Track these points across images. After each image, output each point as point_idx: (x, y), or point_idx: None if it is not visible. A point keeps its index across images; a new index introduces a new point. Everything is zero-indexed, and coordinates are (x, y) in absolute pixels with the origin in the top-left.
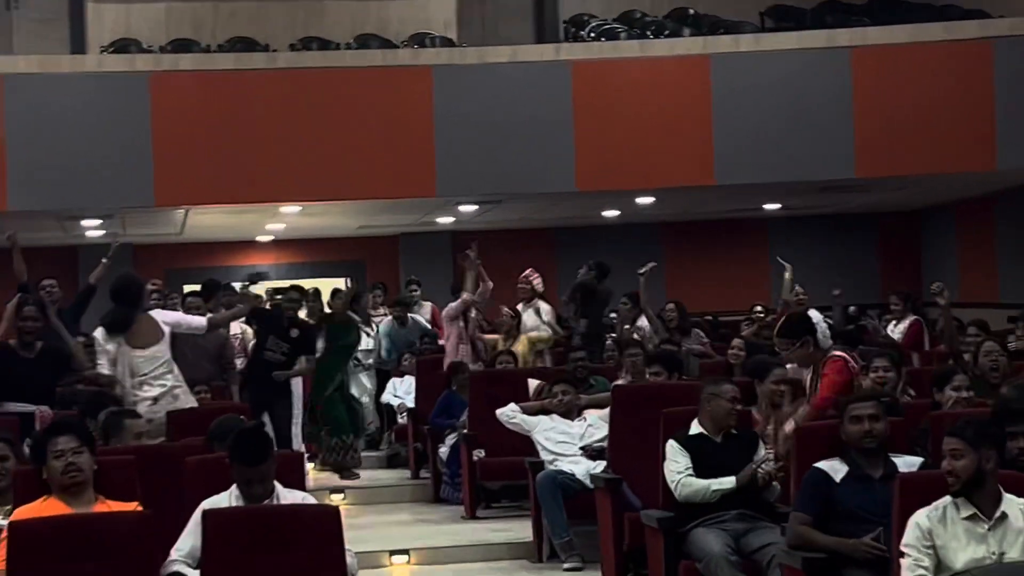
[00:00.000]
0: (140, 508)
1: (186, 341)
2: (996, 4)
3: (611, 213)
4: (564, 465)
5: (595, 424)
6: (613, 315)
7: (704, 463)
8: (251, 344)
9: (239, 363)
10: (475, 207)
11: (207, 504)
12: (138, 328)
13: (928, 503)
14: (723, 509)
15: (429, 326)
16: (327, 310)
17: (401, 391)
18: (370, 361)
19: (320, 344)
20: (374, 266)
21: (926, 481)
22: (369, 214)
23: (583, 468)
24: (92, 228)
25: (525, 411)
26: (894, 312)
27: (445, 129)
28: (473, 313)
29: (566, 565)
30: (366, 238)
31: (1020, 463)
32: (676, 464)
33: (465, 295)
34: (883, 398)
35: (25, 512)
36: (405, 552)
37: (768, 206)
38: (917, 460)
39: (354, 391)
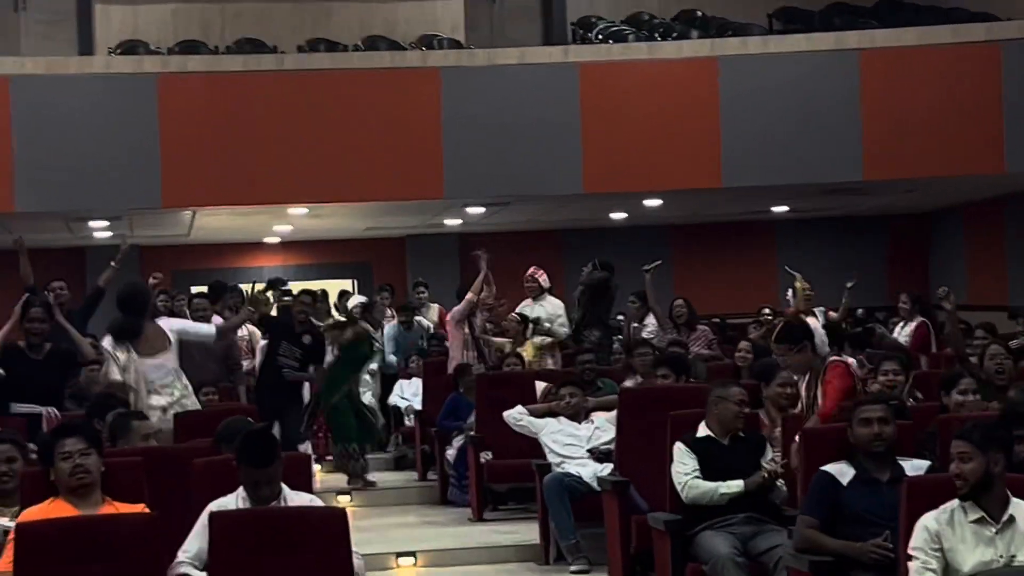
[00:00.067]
0: (147, 510)
1: (194, 344)
2: (1004, 7)
3: (619, 215)
4: (571, 467)
5: (602, 426)
6: (620, 316)
7: (711, 466)
8: (259, 347)
9: (245, 364)
10: (482, 209)
11: (214, 506)
12: (146, 336)
13: (935, 507)
14: (730, 512)
15: (433, 329)
16: (336, 316)
17: (408, 393)
18: (374, 366)
19: (330, 352)
20: (381, 268)
21: (933, 485)
22: (376, 216)
23: (590, 470)
24: (100, 229)
25: (532, 413)
26: (902, 311)
27: (453, 131)
28: (479, 318)
29: (573, 568)
30: (373, 240)
31: None
32: (683, 466)
33: (469, 295)
34: (891, 401)
35: (32, 514)
36: (412, 554)
37: (776, 209)
38: (924, 463)
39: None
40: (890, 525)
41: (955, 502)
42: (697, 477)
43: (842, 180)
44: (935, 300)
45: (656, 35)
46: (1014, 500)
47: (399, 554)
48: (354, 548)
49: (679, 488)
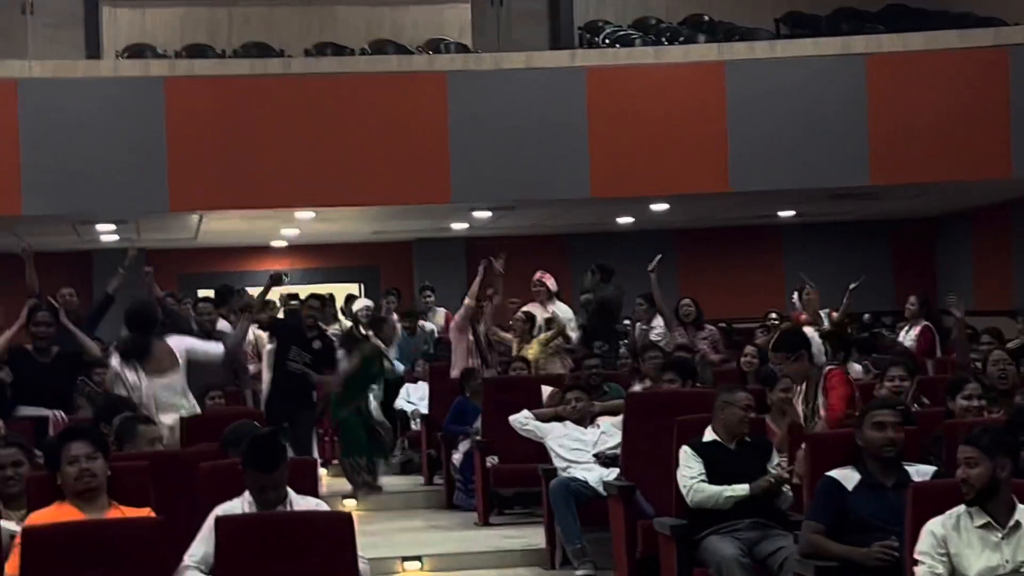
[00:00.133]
0: (153, 514)
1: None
2: (1013, 11)
3: (625, 220)
4: (577, 472)
5: (608, 431)
6: (626, 320)
7: (717, 470)
8: (265, 351)
9: (251, 368)
10: (489, 213)
11: (220, 510)
12: (154, 355)
13: (941, 512)
14: (736, 517)
15: (438, 333)
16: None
17: (415, 397)
18: None
19: (343, 363)
20: (388, 272)
21: (940, 490)
22: (383, 220)
23: (596, 475)
24: (106, 233)
25: (538, 418)
26: (909, 312)
27: (460, 135)
28: (481, 325)
29: (579, 572)
30: (380, 244)
31: None
32: (689, 470)
33: (467, 300)
34: (898, 407)
35: (39, 518)
36: (418, 558)
37: (783, 213)
38: (930, 469)
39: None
40: (895, 530)
41: (962, 507)
42: (703, 481)
43: (849, 184)
44: (943, 304)
45: (663, 39)
46: (1020, 506)
47: (405, 558)
48: (360, 552)
49: (684, 492)
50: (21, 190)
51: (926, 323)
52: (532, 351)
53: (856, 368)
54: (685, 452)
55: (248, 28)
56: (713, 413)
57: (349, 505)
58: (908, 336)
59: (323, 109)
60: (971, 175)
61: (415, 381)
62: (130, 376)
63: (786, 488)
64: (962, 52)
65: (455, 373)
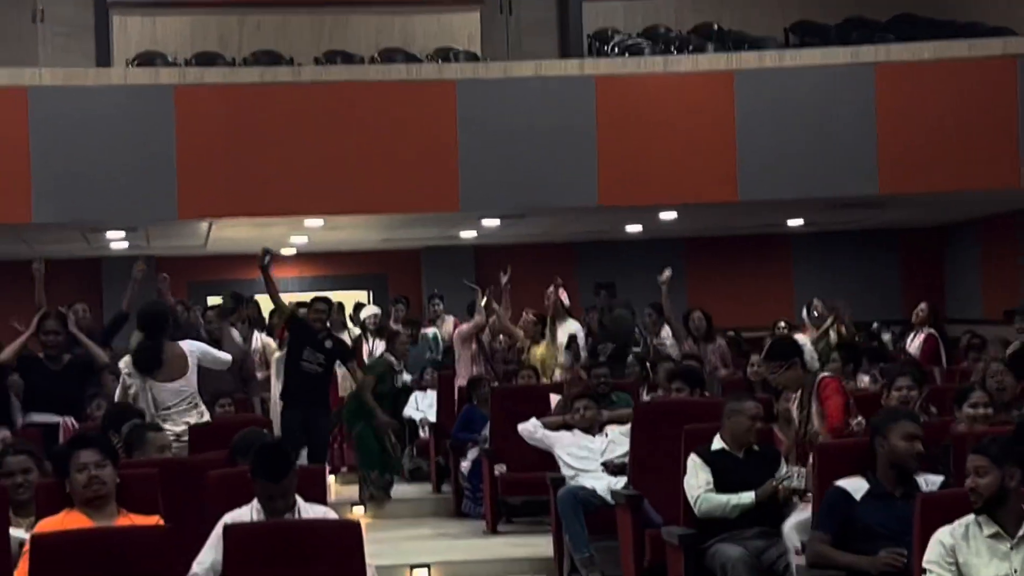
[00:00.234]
0: (162, 522)
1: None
2: (1021, 21)
3: (634, 228)
4: (585, 481)
5: (616, 440)
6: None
7: (725, 479)
8: (273, 359)
9: (259, 376)
10: (497, 222)
11: (229, 518)
12: (165, 362)
13: (949, 522)
14: (744, 526)
15: (443, 344)
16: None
17: (423, 405)
18: None
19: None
20: (397, 280)
21: (948, 500)
22: (392, 228)
23: (604, 484)
24: (116, 240)
25: (547, 426)
26: (918, 318)
27: (469, 143)
28: (486, 337)
29: None
30: (389, 251)
31: None
32: (697, 479)
33: (478, 317)
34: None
35: (47, 525)
36: (426, 566)
37: (791, 222)
38: (938, 479)
39: None
40: (904, 540)
41: (970, 516)
42: (710, 491)
43: (858, 194)
44: (952, 312)
45: (672, 48)
46: None
47: (413, 566)
48: (368, 560)
49: (692, 501)
50: (31, 198)
51: (931, 331)
52: (540, 351)
53: (864, 379)
54: (693, 461)
55: (258, 36)
56: (722, 421)
57: (357, 513)
58: (913, 345)
59: (332, 117)
60: (979, 184)
61: (423, 389)
62: (135, 381)
63: (796, 499)
64: (971, 62)
65: (460, 382)
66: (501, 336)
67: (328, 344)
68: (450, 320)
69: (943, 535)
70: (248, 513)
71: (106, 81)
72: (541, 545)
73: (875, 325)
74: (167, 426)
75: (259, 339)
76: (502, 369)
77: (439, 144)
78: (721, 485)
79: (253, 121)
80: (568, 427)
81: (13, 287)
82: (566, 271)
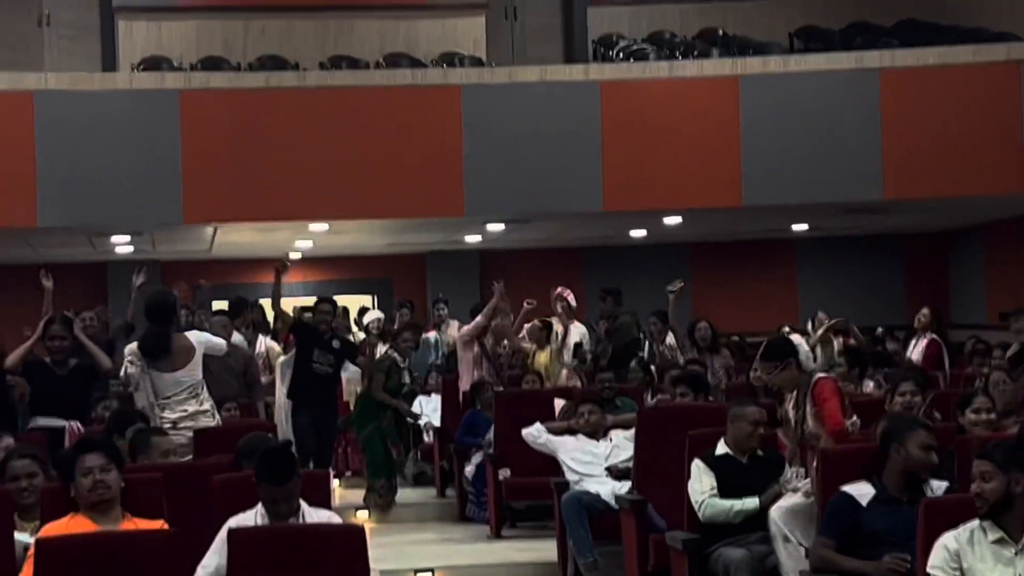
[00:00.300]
0: (166, 526)
1: (213, 360)
2: None
3: (638, 233)
4: (589, 485)
5: (621, 444)
6: (641, 334)
7: (729, 484)
8: (278, 363)
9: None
10: (502, 226)
11: (233, 522)
12: (172, 350)
13: (953, 527)
14: (747, 531)
15: (440, 347)
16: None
17: (428, 409)
18: None
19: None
20: (402, 284)
21: (952, 505)
22: (397, 232)
23: (608, 489)
24: (121, 244)
25: (551, 431)
26: (921, 323)
27: (473, 148)
28: (489, 341)
29: None
30: (394, 256)
31: None
32: (701, 484)
33: (480, 319)
34: None
35: (52, 529)
36: (430, 571)
37: (796, 227)
38: (943, 484)
39: None
40: (910, 545)
41: (975, 522)
42: (714, 496)
43: (862, 199)
44: (956, 318)
45: (677, 53)
46: None
47: (417, 571)
48: (372, 564)
49: (696, 507)
50: (36, 202)
51: (934, 336)
52: (543, 358)
53: (869, 384)
54: (697, 466)
55: (263, 41)
56: (726, 426)
57: (361, 517)
58: (916, 350)
59: (337, 122)
60: (984, 190)
61: (428, 393)
62: (136, 371)
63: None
64: (975, 67)
65: (463, 386)
66: (505, 341)
67: (336, 344)
68: (454, 324)
69: (948, 540)
70: (252, 517)
71: (111, 85)
72: (545, 550)
73: (879, 330)
74: (164, 414)
75: (263, 343)
76: (506, 373)
77: (444, 149)
78: (725, 490)
79: (258, 126)
80: (572, 432)
81: (18, 290)
82: (571, 276)
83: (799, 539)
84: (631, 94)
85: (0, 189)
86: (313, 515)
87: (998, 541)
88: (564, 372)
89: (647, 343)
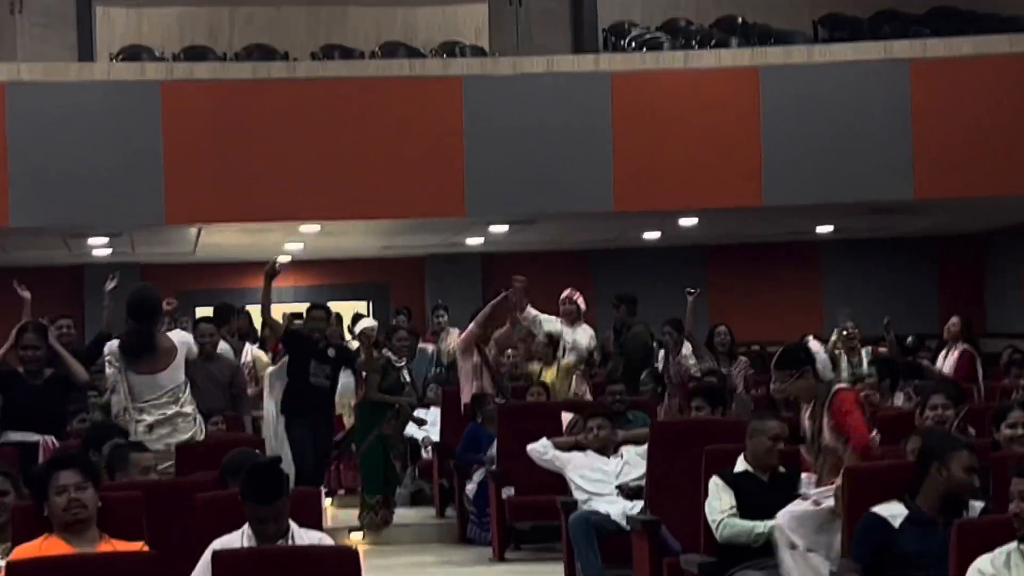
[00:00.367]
0: (146, 548)
1: (197, 371)
2: None
3: (652, 235)
4: (599, 505)
5: (632, 461)
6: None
7: (749, 503)
8: (265, 374)
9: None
10: (506, 228)
11: (218, 544)
12: (155, 349)
13: (988, 550)
14: (768, 554)
15: (436, 361)
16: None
17: (426, 423)
18: None
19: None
20: (399, 289)
21: (987, 527)
22: (393, 234)
23: (619, 508)
24: (99, 247)
25: (558, 446)
26: (950, 333)
27: (475, 144)
28: (492, 351)
29: None
30: (390, 259)
31: None
32: (719, 503)
33: (472, 327)
34: None
35: (24, 551)
36: None
37: (820, 229)
38: (978, 504)
39: None
40: (942, 568)
41: (1013, 544)
42: (733, 515)
43: (891, 199)
44: (992, 327)
45: (693, 43)
46: None
47: None
48: None
49: (713, 527)
50: (8, 201)
51: (966, 346)
52: (550, 375)
53: (899, 396)
54: (715, 484)
55: (250, 29)
56: (746, 441)
57: (355, 539)
58: (947, 361)
59: (330, 116)
60: (1021, 189)
61: (426, 406)
62: (113, 372)
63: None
64: (1012, 57)
65: (464, 398)
66: (509, 350)
67: (331, 353)
68: (455, 333)
69: (983, 563)
70: (239, 539)
71: (88, 76)
72: (551, 574)
73: (910, 340)
74: (142, 417)
75: (249, 352)
76: (509, 385)
77: (443, 145)
78: (745, 510)
79: (245, 120)
80: (581, 447)
81: None
82: (579, 281)
83: (805, 547)
84: (644, 86)
85: None
86: (303, 536)
87: None
88: (573, 380)
89: (662, 353)
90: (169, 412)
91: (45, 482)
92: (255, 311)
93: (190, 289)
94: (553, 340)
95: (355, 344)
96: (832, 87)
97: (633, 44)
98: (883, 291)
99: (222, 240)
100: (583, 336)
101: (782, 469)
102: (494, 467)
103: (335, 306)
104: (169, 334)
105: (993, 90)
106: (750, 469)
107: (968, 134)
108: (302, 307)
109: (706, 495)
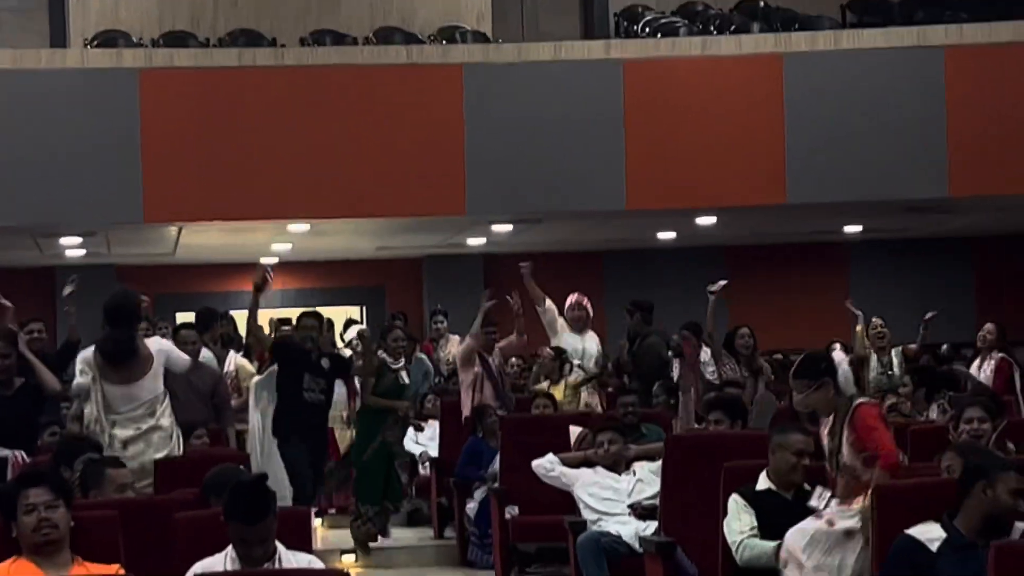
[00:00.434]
0: (122, 571)
1: (177, 381)
2: None
3: (667, 235)
4: (609, 525)
5: (645, 478)
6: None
7: (771, 522)
8: (250, 384)
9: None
10: (510, 227)
11: (199, 567)
12: (137, 352)
13: None
14: None
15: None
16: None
17: (423, 438)
18: None
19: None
20: (395, 293)
21: None
22: (389, 234)
23: (631, 529)
24: (72, 247)
25: (565, 462)
26: (986, 341)
27: (477, 137)
28: (495, 360)
29: None
30: (386, 261)
31: None
32: (739, 523)
33: (469, 340)
34: None
35: None
36: None
37: (848, 228)
38: (1022, 525)
39: None
40: None
41: None
42: (754, 536)
43: (925, 196)
44: None
45: (712, 28)
46: None
47: None
48: None
49: (733, 548)
50: None
51: (1002, 355)
52: (558, 394)
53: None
54: (734, 502)
55: (236, 13)
56: (768, 457)
57: (347, 562)
58: (984, 370)
59: (321, 106)
60: None
61: (424, 419)
62: (84, 379)
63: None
64: None
65: (464, 411)
66: (513, 360)
67: (325, 364)
68: (454, 340)
69: None
70: (221, 561)
71: (61, 64)
72: None
73: (944, 348)
74: (115, 431)
75: (233, 361)
76: (511, 396)
77: (443, 138)
78: (767, 530)
79: (229, 111)
80: (590, 464)
81: None
82: (588, 285)
83: (812, 567)
84: (658, 75)
85: None
86: (291, 559)
87: None
88: (583, 393)
89: (677, 361)
90: (144, 426)
91: (13, 500)
92: (240, 316)
93: (170, 292)
94: (561, 357)
95: (347, 352)
96: (861, 76)
97: (647, 29)
98: (915, 295)
99: (204, 240)
100: (592, 344)
101: (807, 487)
102: (496, 484)
103: (326, 311)
104: (147, 341)
105: None
106: (773, 487)
107: (1007, 126)
108: (290, 312)
109: (725, 515)
